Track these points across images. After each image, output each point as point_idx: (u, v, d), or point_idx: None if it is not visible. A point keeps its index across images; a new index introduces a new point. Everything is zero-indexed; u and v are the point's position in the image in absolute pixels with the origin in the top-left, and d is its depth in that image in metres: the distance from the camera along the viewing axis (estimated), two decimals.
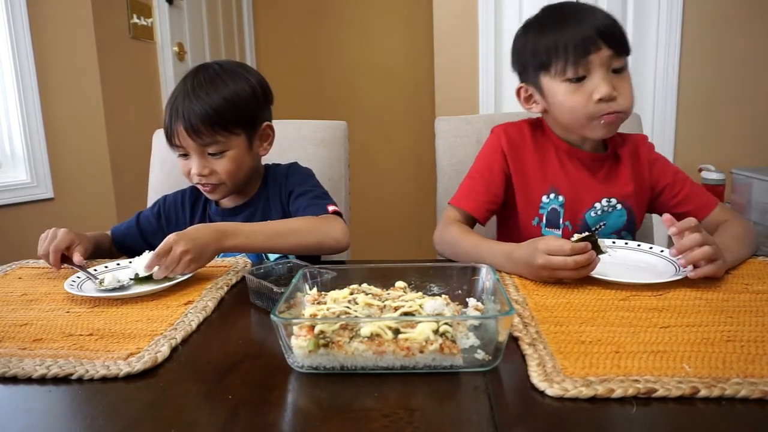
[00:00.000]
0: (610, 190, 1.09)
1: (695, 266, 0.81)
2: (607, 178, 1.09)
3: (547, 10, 1.06)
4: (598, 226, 1.09)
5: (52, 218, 2.07)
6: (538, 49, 1.03)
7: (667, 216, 0.85)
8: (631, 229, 1.12)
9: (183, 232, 0.91)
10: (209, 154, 1.09)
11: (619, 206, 1.09)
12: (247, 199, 1.20)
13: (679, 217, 1.05)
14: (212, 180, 1.10)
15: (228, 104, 1.07)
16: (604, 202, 1.08)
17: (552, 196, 1.08)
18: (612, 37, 0.98)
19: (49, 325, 0.76)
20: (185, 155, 1.11)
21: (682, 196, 1.09)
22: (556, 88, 1.02)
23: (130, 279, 0.91)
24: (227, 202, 1.21)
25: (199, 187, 1.14)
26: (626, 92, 1.00)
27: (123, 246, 1.19)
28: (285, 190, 1.18)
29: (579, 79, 1.00)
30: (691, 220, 0.83)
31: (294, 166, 1.23)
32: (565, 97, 1.01)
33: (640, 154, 1.11)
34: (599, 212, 1.09)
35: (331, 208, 1.09)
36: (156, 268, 0.89)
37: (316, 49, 3.35)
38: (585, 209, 1.09)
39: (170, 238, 0.89)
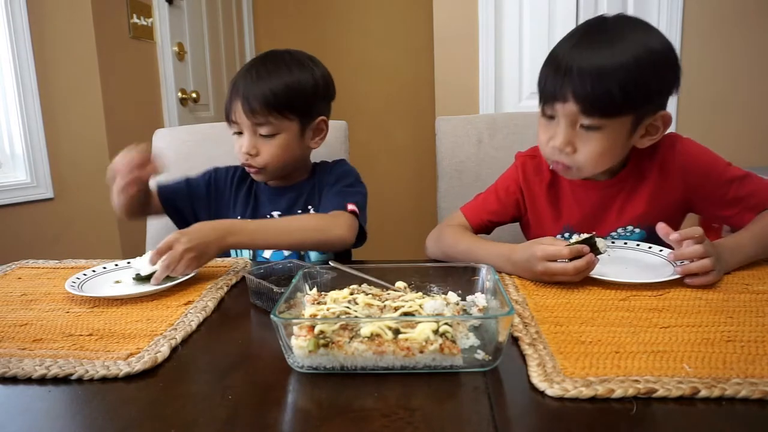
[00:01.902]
0: (626, 217, 1.02)
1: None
2: (624, 204, 1.02)
3: (578, 28, 0.96)
4: None
5: (52, 218, 2.07)
6: (541, 71, 0.97)
7: (661, 225, 0.84)
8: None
9: (185, 230, 0.92)
10: (261, 135, 1.11)
11: (637, 230, 1.03)
12: (291, 184, 1.22)
13: (722, 220, 1.00)
14: (257, 161, 1.12)
15: (287, 90, 1.11)
16: (620, 230, 1.03)
17: (566, 234, 1.04)
18: (584, 95, 0.87)
19: (49, 325, 0.76)
20: (239, 133, 1.14)
21: (726, 200, 0.98)
22: (539, 117, 0.99)
23: (132, 278, 0.91)
24: (275, 183, 1.22)
25: (245, 167, 1.16)
26: (586, 151, 0.92)
27: (170, 203, 1.19)
28: (325, 184, 1.20)
29: (550, 117, 0.95)
30: (696, 230, 0.81)
31: (340, 162, 1.26)
32: (539, 128, 0.99)
33: (668, 164, 1.00)
34: (616, 238, 1.03)
35: (350, 206, 1.10)
36: (158, 269, 0.89)
37: (316, 50, 3.28)
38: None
39: (171, 236, 0.90)
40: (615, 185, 1.02)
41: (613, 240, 1.00)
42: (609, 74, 0.86)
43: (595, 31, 0.92)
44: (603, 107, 0.88)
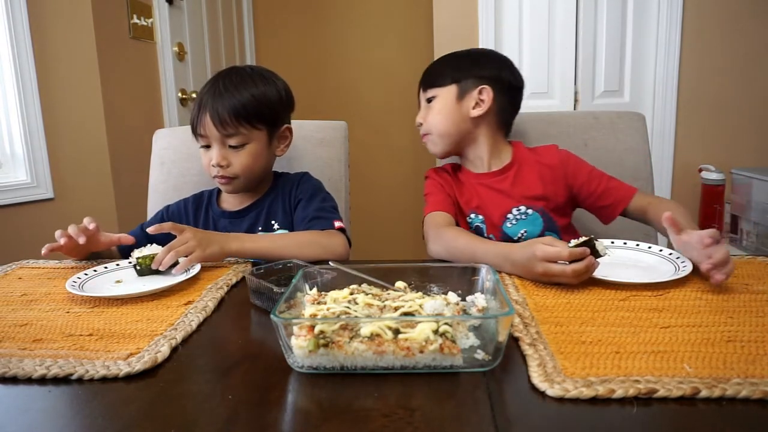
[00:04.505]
0: (517, 199, 1.19)
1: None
2: (512, 188, 1.20)
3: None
4: (520, 235, 1.17)
5: (52, 218, 2.06)
6: None
7: (667, 215, 0.88)
8: (554, 230, 1.19)
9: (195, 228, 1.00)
10: (230, 146, 1.14)
11: (530, 211, 1.18)
12: (253, 201, 1.23)
13: (601, 210, 1.21)
14: (228, 172, 1.15)
15: (255, 101, 1.14)
16: (514, 211, 1.19)
17: (473, 215, 1.21)
18: (423, 77, 1.27)
19: (49, 325, 0.76)
20: (207, 146, 1.16)
21: (600, 191, 1.18)
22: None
23: (134, 267, 0.95)
24: (231, 205, 1.23)
25: (216, 180, 1.18)
26: (428, 119, 1.23)
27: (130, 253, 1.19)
28: (294, 198, 1.21)
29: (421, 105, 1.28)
30: (715, 232, 0.83)
31: (306, 175, 1.27)
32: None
33: (549, 159, 1.22)
34: (514, 222, 1.18)
35: (337, 224, 1.14)
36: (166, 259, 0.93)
37: (316, 49, 3.34)
38: (501, 222, 1.19)
39: (180, 225, 0.99)
40: (497, 175, 1.23)
41: (612, 240, 1.00)
42: (439, 61, 1.29)
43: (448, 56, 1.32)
44: (431, 81, 1.24)
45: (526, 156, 1.23)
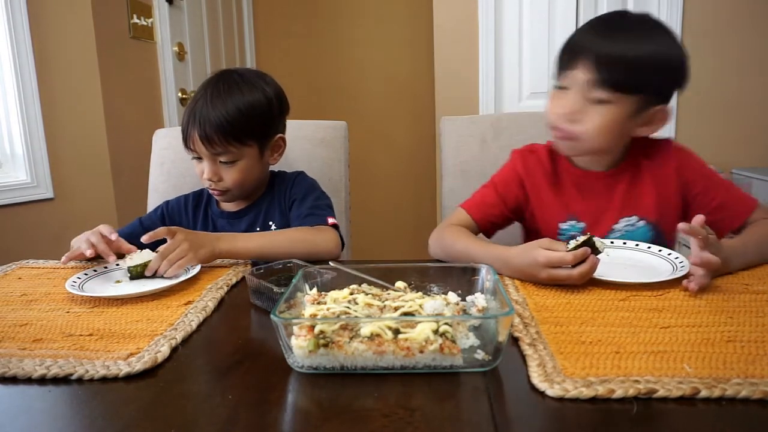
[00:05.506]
0: (629, 208, 1.03)
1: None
2: (627, 194, 1.04)
3: (598, 18, 1.02)
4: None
5: (52, 218, 2.07)
6: (562, 47, 1.01)
7: (683, 224, 0.80)
8: (662, 245, 0.97)
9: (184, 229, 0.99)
10: (221, 161, 1.13)
11: (641, 223, 1.04)
12: (251, 203, 1.23)
13: (711, 224, 0.95)
14: (220, 186, 1.15)
15: (242, 116, 1.11)
16: (624, 222, 1.04)
17: (571, 223, 1.06)
18: (603, 63, 0.91)
19: (49, 325, 0.76)
20: (199, 158, 1.15)
21: (714, 205, 1.00)
22: (552, 91, 1.01)
23: (127, 275, 0.93)
24: (230, 206, 1.23)
25: (209, 190, 1.18)
26: (587, 122, 0.94)
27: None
28: (288, 199, 1.22)
29: (560, 88, 0.98)
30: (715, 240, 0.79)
31: (301, 175, 1.27)
32: (549, 101, 1.00)
33: (666, 164, 1.03)
34: (622, 233, 1.04)
35: (330, 220, 1.13)
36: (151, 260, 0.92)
37: (316, 49, 3.34)
38: (606, 232, 1.04)
39: (173, 228, 0.97)
40: (614, 176, 1.04)
41: (612, 240, 1.00)
42: (630, 52, 0.91)
43: (618, 19, 0.99)
44: (617, 80, 0.91)
45: (642, 155, 1.04)
